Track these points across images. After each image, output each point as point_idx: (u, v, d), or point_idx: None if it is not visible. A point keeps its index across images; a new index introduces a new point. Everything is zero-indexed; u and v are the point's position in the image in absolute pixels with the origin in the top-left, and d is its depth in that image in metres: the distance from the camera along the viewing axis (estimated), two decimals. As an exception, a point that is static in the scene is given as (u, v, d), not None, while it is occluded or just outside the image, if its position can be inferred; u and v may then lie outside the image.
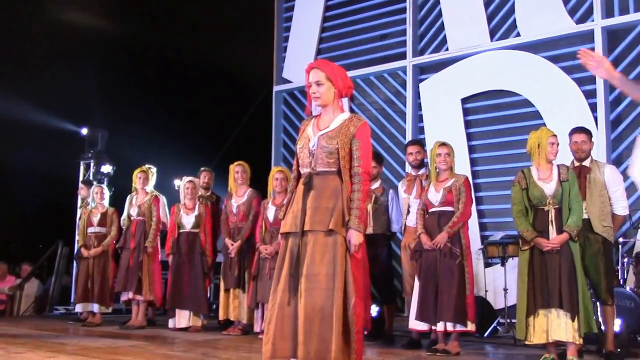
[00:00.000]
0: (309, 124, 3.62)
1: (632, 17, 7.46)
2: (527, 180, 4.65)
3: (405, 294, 6.17)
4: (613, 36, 7.62)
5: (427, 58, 9.06)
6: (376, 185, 6.24)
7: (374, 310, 6.12)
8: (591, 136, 5.11)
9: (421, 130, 8.92)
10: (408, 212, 5.91)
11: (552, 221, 4.53)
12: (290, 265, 3.39)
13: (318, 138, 3.48)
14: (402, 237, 6.14)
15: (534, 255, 4.57)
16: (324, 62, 3.61)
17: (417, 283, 5.26)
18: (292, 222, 3.46)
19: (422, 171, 5.95)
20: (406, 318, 6.17)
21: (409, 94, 9.08)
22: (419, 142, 6.30)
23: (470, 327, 5.05)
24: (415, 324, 5.26)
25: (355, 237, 3.36)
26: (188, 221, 7.02)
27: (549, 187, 4.58)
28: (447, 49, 8.83)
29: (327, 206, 3.39)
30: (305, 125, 3.65)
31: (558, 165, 4.68)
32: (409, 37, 9.18)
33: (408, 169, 8.57)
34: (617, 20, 7.55)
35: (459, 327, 5.01)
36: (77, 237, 8.63)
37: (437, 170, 5.38)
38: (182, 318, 6.88)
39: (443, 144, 5.35)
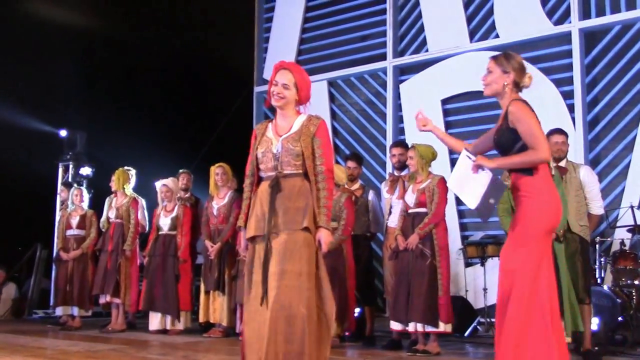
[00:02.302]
0: (266, 127, 3.61)
1: (609, 18, 7.55)
2: None
3: (387, 294, 6.19)
4: (590, 38, 7.71)
5: (407, 59, 9.10)
6: (356, 186, 6.26)
7: (355, 311, 6.11)
8: (567, 137, 5.18)
9: (402, 131, 8.96)
10: (390, 212, 5.93)
11: None
12: (259, 270, 3.37)
13: (282, 142, 3.47)
14: (383, 238, 6.15)
15: None
16: (297, 67, 3.62)
17: (392, 283, 5.29)
18: (256, 226, 3.43)
19: (404, 172, 5.97)
20: (387, 318, 6.19)
21: (389, 94, 9.12)
22: (403, 144, 6.30)
23: (443, 327, 5.05)
24: (393, 324, 5.29)
25: (325, 236, 3.39)
26: (164, 223, 7.00)
27: None
28: (427, 50, 8.88)
29: (298, 206, 3.39)
30: (261, 129, 3.62)
31: None
32: (389, 38, 9.21)
33: (389, 169, 8.67)
34: (594, 22, 7.64)
35: (429, 328, 5.02)
36: (56, 240, 8.56)
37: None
38: (155, 320, 6.86)
39: (412, 147, 5.40)
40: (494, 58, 3.55)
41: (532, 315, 3.19)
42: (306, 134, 3.47)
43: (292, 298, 3.23)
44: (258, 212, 3.45)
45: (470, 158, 3.51)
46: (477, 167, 3.45)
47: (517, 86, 3.48)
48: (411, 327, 5.08)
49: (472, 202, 3.50)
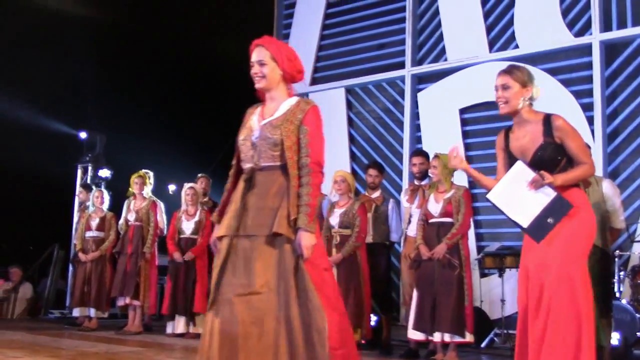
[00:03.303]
0: (254, 112, 3.18)
1: (630, 31, 7.52)
2: None
3: (404, 303, 6.20)
4: (611, 50, 7.69)
5: (425, 68, 9.11)
6: (376, 194, 6.29)
7: (372, 320, 6.12)
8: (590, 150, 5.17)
9: (419, 139, 8.96)
10: (409, 221, 5.95)
11: None
12: (225, 275, 2.94)
13: (260, 128, 3.06)
14: (401, 247, 6.17)
15: None
16: (269, 39, 3.16)
17: (415, 293, 5.29)
18: (228, 225, 3.01)
19: (425, 182, 6.00)
20: (402, 327, 6.19)
21: (407, 103, 9.12)
22: (423, 153, 6.32)
23: (469, 338, 5.09)
24: (412, 334, 5.28)
25: (307, 239, 2.89)
26: (188, 227, 7.04)
27: None
28: (445, 59, 8.88)
29: (272, 206, 2.95)
30: (249, 114, 3.20)
31: None
32: (407, 47, 9.22)
33: (405, 178, 8.68)
34: (615, 34, 7.62)
35: (457, 338, 5.04)
36: (73, 241, 8.62)
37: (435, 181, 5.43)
38: (179, 324, 6.89)
39: (436, 156, 5.39)
40: (507, 72, 3.37)
41: (588, 332, 3.07)
42: (290, 121, 3.03)
43: (263, 314, 2.81)
44: (232, 209, 3.05)
45: (531, 173, 3.28)
46: (539, 185, 3.24)
47: (532, 99, 3.37)
48: (436, 337, 5.09)
49: (524, 220, 3.28)
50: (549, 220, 3.20)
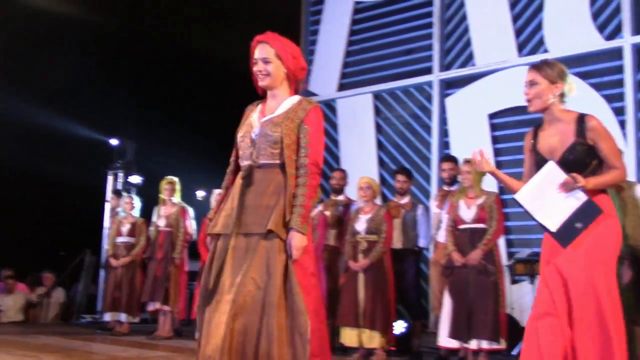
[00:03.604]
0: (255, 109, 3.14)
1: (663, 34, 7.43)
2: None
3: (433, 310, 6.18)
4: (643, 53, 7.59)
5: (453, 73, 9.07)
6: (405, 200, 6.29)
7: (402, 326, 6.11)
8: None
9: (447, 145, 8.92)
10: (439, 227, 5.93)
11: None
12: (216, 273, 2.89)
13: (261, 125, 3.02)
14: (430, 253, 6.15)
15: None
16: (273, 36, 3.06)
17: (447, 300, 5.25)
18: (223, 222, 2.96)
19: (454, 187, 5.98)
20: (431, 334, 6.16)
21: (435, 108, 9.09)
22: (453, 159, 6.30)
23: (503, 344, 5.06)
24: (447, 342, 5.23)
25: (297, 240, 2.85)
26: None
27: None
28: (473, 64, 8.84)
29: (268, 204, 2.91)
30: (249, 111, 3.16)
31: None
32: (435, 52, 9.20)
33: (434, 183, 8.65)
34: (647, 37, 7.53)
35: (494, 345, 5.01)
36: (105, 246, 8.74)
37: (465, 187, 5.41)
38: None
39: (467, 162, 5.35)
40: (536, 68, 3.22)
41: (619, 343, 2.94)
42: (291, 119, 2.99)
43: (251, 315, 2.77)
44: (228, 207, 2.99)
45: (562, 174, 3.10)
46: (570, 188, 3.07)
47: (563, 96, 3.20)
48: (473, 344, 5.04)
49: (552, 224, 3.13)
50: (577, 225, 3.07)
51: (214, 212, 3.11)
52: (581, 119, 3.14)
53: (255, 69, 3.05)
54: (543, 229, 3.19)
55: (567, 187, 3.07)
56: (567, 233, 3.09)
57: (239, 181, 3.02)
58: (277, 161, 2.97)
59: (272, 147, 2.97)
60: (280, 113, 3.03)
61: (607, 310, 2.94)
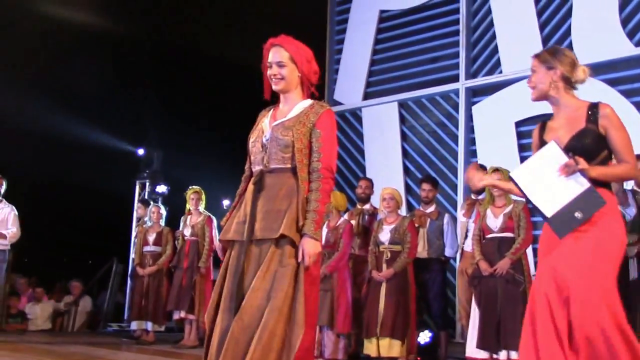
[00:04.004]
0: (267, 114, 3.09)
1: (694, 39, 7.29)
2: None
3: (460, 319, 6.10)
4: (674, 59, 7.46)
5: (480, 81, 9.00)
6: (431, 209, 6.24)
7: (427, 336, 6.05)
8: None
9: (474, 153, 8.84)
10: (466, 236, 5.88)
11: None
12: (232, 281, 2.83)
13: (272, 129, 2.97)
14: (457, 262, 6.09)
15: None
16: (287, 39, 3.02)
17: (475, 310, 5.18)
18: (236, 229, 2.91)
19: (482, 196, 5.91)
20: (458, 344, 6.09)
21: (461, 116, 9.02)
22: (481, 168, 6.23)
23: None
24: (475, 352, 5.14)
25: (311, 247, 2.79)
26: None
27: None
28: (500, 72, 8.75)
29: (280, 209, 2.85)
30: (262, 116, 3.11)
31: (632, 191, 4.61)
32: (461, 60, 9.13)
33: (460, 192, 8.56)
34: (679, 42, 7.40)
35: None
36: (132, 255, 8.80)
37: (493, 196, 5.34)
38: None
39: (496, 170, 5.27)
40: (536, 55, 3.12)
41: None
42: (303, 123, 2.94)
43: (254, 320, 2.72)
44: (240, 213, 2.95)
45: (563, 156, 2.88)
46: (571, 171, 2.85)
47: (569, 83, 3.01)
48: (502, 355, 4.95)
49: (548, 208, 2.89)
50: (577, 214, 2.82)
51: (226, 219, 3.05)
52: (594, 106, 2.96)
53: (269, 72, 3.02)
54: (538, 213, 2.98)
55: (568, 170, 2.85)
56: (564, 221, 2.86)
57: (250, 187, 2.97)
58: (289, 165, 2.92)
59: (283, 151, 2.92)
60: (292, 117, 2.98)
61: (610, 329, 2.70)
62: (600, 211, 2.82)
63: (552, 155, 2.90)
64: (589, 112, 2.94)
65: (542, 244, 3.06)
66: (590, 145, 2.91)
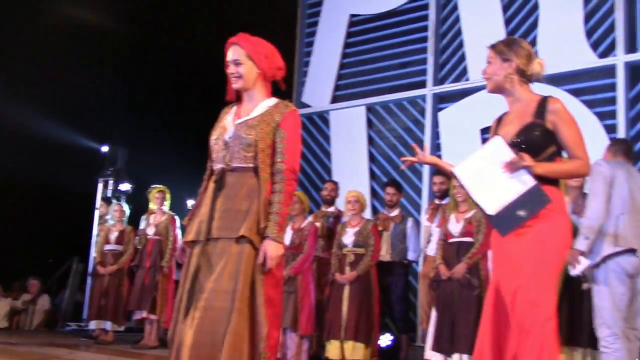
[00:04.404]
0: (229, 112, 3.07)
1: (656, 53, 7.46)
2: None
3: (421, 323, 6.14)
4: (635, 71, 7.60)
5: (447, 87, 9.07)
6: (395, 212, 6.27)
7: (389, 339, 6.08)
8: None
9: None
10: (429, 240, 5.92)
11: None
12: (188, 281, 2.81)
13: (235, 127, 2.94)
14: (420, 266, 6.13)
15: None
16: (244, 37, 3.00)
17: (434, 313, 5.24)
18: (197, 229, 2.88)
19: (445, 201, 5.97)
20: (419, 347, 6.12)
21: (427, 122, 9.08)
22: (444, 173, 6.29)
23: None
24: (431, 355, 5.22)
25: (273, 249, 2.77)
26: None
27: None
28: (467, 79, 8.84)
29: (240, 208, 2.82)
30: (224, 113, 3.09)
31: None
32: (429, 66, 9.20)
33: (425, 197, 8.62)
34: (640, 56, 7.55)
35: None
36: (92, 254, 8.67)
37: (457, 201, 5.39)
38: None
39: None
40: (492, 46, 3.04)
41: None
42: (267, 122, 2.91)
43: (218, 322, 2.69)
44: (202, 212, 2.91)
45: (509, 152, 2.76)
46: (516, 167, 2.74)
47: (525, 75, 2.94)
48: (455, 357, 5.02)
49: (491, 206, 2.79)
50: (520, 212, 2.72)
51: (188, 219, 3.02)
52: (544, 100, 2.88)
53: (227, 71, 3.00)
54: (480, 211, 2.92)
55: (512, 167, 2.75)
56: (507, 220, 2.75)
57: (211, 185, 2.93)
58: (251, 165, 2.89)
59: (245, 150, 2.89)
60: (256, 115, 2.95)
61: (547, 331, 2.65)
62: (547, 208, 2.72)
63: (497, 151, 2.81)
64: (538, 106, 2.87)
65: (492, 245, 3.02)
66: (536, 140, 2.82)
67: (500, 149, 2.79)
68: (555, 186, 2.83)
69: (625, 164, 4.60)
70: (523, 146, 2.80)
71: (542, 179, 2.76)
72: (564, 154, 2.95)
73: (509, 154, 2.76)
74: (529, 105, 2.91)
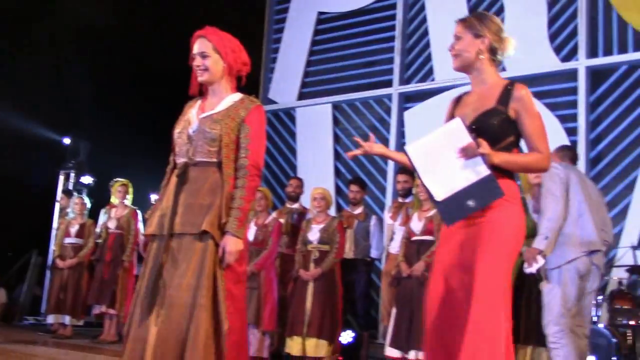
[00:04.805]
0: (194, 106, 3.04)
1: (616, 58, 7.61)
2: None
3: (383, 320, 6.18)
4: (596, 76, 7.77)
5: (413, 87, 9.16)
6: (359, 210, 6.30)
7: (350, 336, 6.10)
8: None
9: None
10: (392, 238, 5.96)
11: None
12: (150, 277, 2.80)
13: (199, 121, 2.92)
14: (382, 264, 6.17)
15: None
16: (212, 30, 2.98)
17: (394, 310, 5.29)
18: (158, 222, 2.86)
19: (409, 199, 6.01)
20: (380, 345, 6.16)
21: (393, 121, 9.15)
22: (408, 172, 6.34)
23: None
24: (389, 351, 5.27)
25: (232, 244, 2.76)
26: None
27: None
28: (433, 79, 8.93)
29: (202, 203, 2.80)
30: (188, 107, 3.06)
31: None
32: (396, 65, 9.27)
33: (389, 195, 8.68)
34: (601, 60, 7.70)
35: None
36: (52, 247, 8.54)
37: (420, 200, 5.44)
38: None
39: None
40: (461, 20, 2.81)
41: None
42: (232, 118, 2.89)
43: (183, 319, 2.68)
44: (164, 206, 2.88)
45: (466, 136, 2.56)
46: (472, 154, 2.55)
47: (495, 54, 2.76)
48: (412, 354, 5.07)
49: (439, 191, 2.61)
50: (470, 202, 2.54)
51: (150, 212, 3.01)
52: (510, 86, 2.70)
53: (193, 64, 2.97)
54: (428, 195, 2.75)
55: (467, 153, 2.56)
56: (454, 208, 2.58)
57: (174, 179, 2.91)
58: (214, 159, 2.87)
59: (209, 144, 2.87)
60: (221, 110, 2.93)
61: (502, 327, 2.51)
62: (499, 200, 2.58)
63: (454, 133, 2.59)
64: (502, 92, 2.69)
65: (441, 234, 2.87)
66: (496, 127, 2.64)
67: (457, 132, 2.58)
68: (510, 178, 2.67)
69: (578, 169, 4.73)
70: (481, 133, 2.59)
71: (496, 170, 2.58)
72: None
73: (467, 139, 2.56)
74: (493, 89, 2.73)
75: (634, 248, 5.98)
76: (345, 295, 6.06)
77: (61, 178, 10.24)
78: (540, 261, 4.18)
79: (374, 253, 6.29)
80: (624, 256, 6.30)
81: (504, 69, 8.29)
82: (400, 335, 5.14)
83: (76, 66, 10.68)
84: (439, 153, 2.61)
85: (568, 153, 4.90)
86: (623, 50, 7.61)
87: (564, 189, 4.39)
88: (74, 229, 7.55)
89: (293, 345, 5.66)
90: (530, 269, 4.23)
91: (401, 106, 9.19)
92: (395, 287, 5.37)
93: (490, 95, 2.70)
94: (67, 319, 7.37)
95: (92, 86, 10.88)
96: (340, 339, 5.89)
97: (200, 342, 2.65)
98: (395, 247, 5.77)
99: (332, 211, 6.95)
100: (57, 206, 9.67)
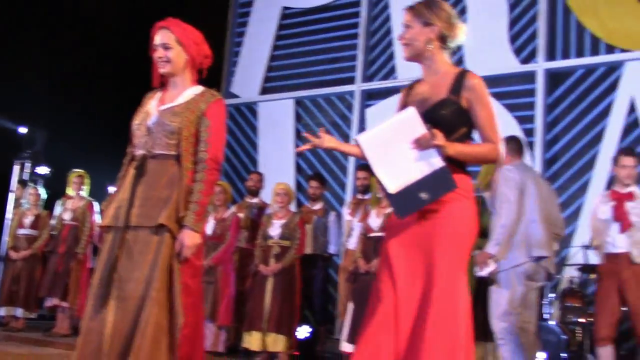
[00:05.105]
0: (153, 97, 3.01)
1: (573, 61, 7.77)
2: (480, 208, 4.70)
3: (340, 315, 6.22)
4: (554, 78, 7.91)
5: (375, 84, 9.20)
6: (318, 206, 6.32)
7: (307, 331, 6.12)
8: None
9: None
10: (350, 234, 5.99)
11: None
12: (104, 268, 2.77)
13: (159, 113, 2.89)
14: (340, 260, 6.20)
15: None
16: (174, 21, 2.96)
17: (350, 305, 5.32)
18: (114, 214, 2.83)
19: (368, 196, 6.05)
20: (336, 340, 6.19)
21: (355, 118, 9.19)
22: (368, 168, 6.37)
23: None
24: (346, 346, 5.30)
25: (190, 238, 2.74)
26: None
27: None
28: (395, 77, 8.99)
29: (160, 196, 2.78)
30: (148, 98, 3.03)
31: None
32: (359, 63, 9.30)
33: (349, 191, 8.72)
34: (559, 63, 7.85)
35: None
36: (5, 238, 8.35)
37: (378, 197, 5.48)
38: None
39: None
40: (410, 8, 2.73)
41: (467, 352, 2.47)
42: (192, 110, 2.87)
43: (137, 312, 2.67)
44: (120, 197, 2.86)
45: (420, 127, 2.50)
46: (426, 145, 2.49)
47: (446, 42, 2.70)
48: None
49: (392, 183, 2.54)
50: (422, 195, 2.48)
51: (107, 204, 2.98)
52: (461, 75, 2.65)
53: (155, 55, 2.94)
54: (380, 187, 2.70)
55: (421, 144, 2.51)
56: (407, 201, 2.51)
57: (131, 171, 2.88)
58: (173, 152, 2.85)
59: (168, 137, 2.84)
60: (181, 103, 2.91)
61: (462, 324, 2.48)
62: (452, 194, 2.53)
63: (408, 123, 2.54)
64: (454, 81, 2.63)
65: (388, 227, 2.78)
66: (448, 117, 2.58)
67: (411, 122, 2.53)
68: (464, 171, 2.63)
69: (532, 169, 4.80)
70: (433, 123, 2.54)
71: (450, 162, 2.53)
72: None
73: (421, 129, 2.51)
74: (444, 78, 2.67)
75: (586, 248, 6.11)
76: (302, 290, 6.08)
77: (16, 168, 10.00)
78: (492, 265, 4.25)
79: (331, 249, 6.32)
80: (576, 255, 6.45)
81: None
82: (356, 331, 5.16)
83: (34, 54, 10.46)
84: (392, 143, 2.55)
85: (514, 146, 4.94)
86: (580, 54, 7.77)
87: (518, 194, 4.46)
88: (28, 220, 7.42)
89: (252, 341, 5.65)
90: (482, 272, 4.30)
91: (363, 103, 9.23)
92: (352, 282, 5.41)
93: (442, 84, 2.65)
94: (19, 312, 7.24)
95: (49, 74, 10.67)
96: (297, 334, 5.90)
97: (149, 334, 2.62)
98: (353, 243, 5.81)
99: (293, 207, 6.95)
100: (11, 197, 9.45)
